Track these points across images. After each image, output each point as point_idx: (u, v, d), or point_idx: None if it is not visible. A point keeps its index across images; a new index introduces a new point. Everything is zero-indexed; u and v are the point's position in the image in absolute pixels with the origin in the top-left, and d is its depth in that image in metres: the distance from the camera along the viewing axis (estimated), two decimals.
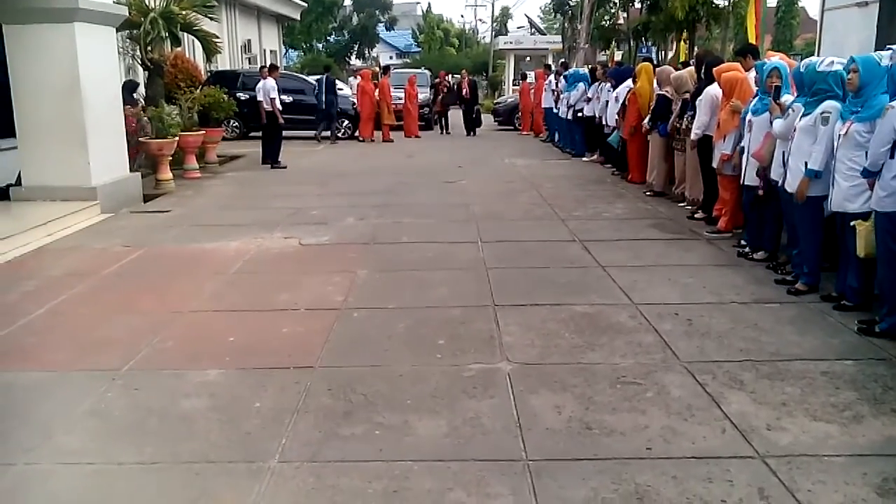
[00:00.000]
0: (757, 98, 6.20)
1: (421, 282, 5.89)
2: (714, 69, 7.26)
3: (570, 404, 3.72)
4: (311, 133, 17.58)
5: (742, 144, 6.35)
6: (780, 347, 4.43)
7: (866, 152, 4.62)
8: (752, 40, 13.56)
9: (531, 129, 19.44)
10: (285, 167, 13.04)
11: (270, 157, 13.21)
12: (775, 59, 6.31)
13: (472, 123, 19.79)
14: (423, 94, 21.00)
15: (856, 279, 4.97)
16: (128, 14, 10.20)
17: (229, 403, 3.79)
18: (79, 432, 3.53)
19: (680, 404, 3.71)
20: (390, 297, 5.48)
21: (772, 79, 5.81)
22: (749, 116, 6.17)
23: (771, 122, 5.74)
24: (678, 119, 8.39)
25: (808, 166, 5.10)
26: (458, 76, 21.99)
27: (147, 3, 11.98)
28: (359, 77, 19.32)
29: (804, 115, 5.23)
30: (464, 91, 20.04)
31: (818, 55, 10.26)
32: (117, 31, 9.79)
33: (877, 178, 4.51)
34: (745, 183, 6.28)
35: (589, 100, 12.86)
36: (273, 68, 13.73)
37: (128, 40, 12.77)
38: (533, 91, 19.10)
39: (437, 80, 21.38)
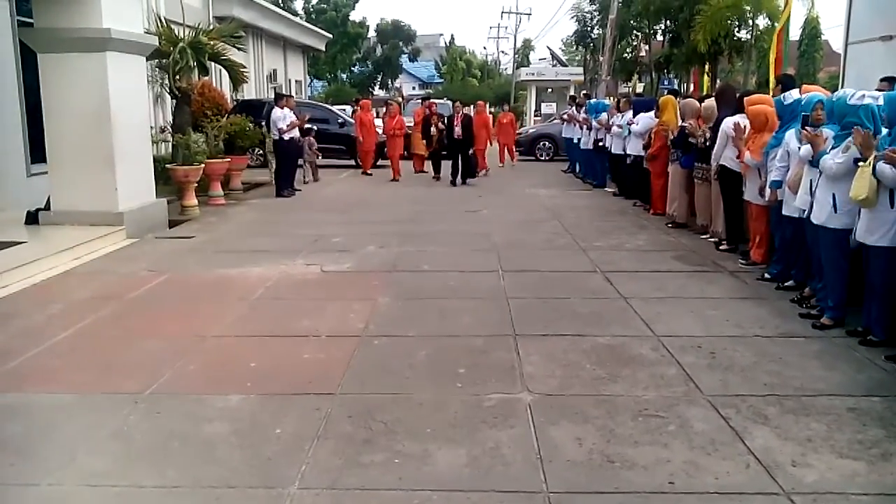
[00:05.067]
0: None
1: (442, 310, 5.89)
2: (745, 99, 7.26)
3: (592, 436, 3.69)
4: (335, 162, 17.75)
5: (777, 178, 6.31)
6: (805, 382, 4.37)
7: (891, 189, 4.62)
8: (772, 74, 13.59)
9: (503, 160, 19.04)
10: (299, 190, 13.34)
11: (285, 185, 13.27)
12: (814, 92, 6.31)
13: (463, 170, 14.95)
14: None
15: (882, 314, 4.91)
16: (157, 44, 10.44)
17: (250, 429, 3.80)
18: (101, 454, 3.55)
19: (703, 438, 3.66)
20: (411, 325, 5.49)
21: (816, 112, 5.76)
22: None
23: (799, 148, 5.73)
24: (704, 143, 8.36)
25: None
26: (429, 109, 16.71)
27: (176, 34, 12.25)
28: (355, 107, 18.69)
29: (832, 147, 5.21)
30: (455, 130, 14.86)
31: (842, 89, 10.20)
32: (147, 59, 10.02)
33: None
34: (785, 213, 6.18)
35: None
36: (279, 97, 13.87)
37: (157, 69, 13.06)
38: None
39: (426, 109, 16.60)
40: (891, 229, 4.73)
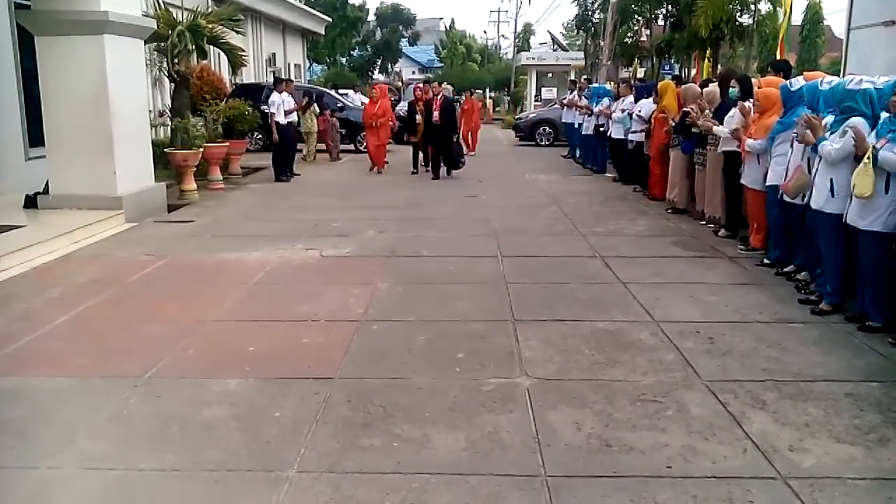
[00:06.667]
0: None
1: (441, 295, 5.89)
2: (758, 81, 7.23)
3: (590, 421, 3.70)
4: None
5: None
6: (804, 368, 4.38)
7: (888, 175, 4.62)
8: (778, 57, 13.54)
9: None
10: (298, 174, 13.35)
11: (284, 170, 13.19)
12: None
13: (445, 161, 13.48)
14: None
15: (874, 298, 4.91)
16: (156, 27, 10.37)
17: (249, 412, 3.81)
18: (101, 438, 3.56)
19: (701, 423, 3.67)
20: (410, 310, 5.49)
21: None
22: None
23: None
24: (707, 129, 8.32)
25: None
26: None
27: (175, 17, 12.17)
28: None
29: (830, 132, 5.20)
30: (434, 114, 13.21)
31: (844, 74, 10.19)
32: (145, 43, 9.96)
33: None
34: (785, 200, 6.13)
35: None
36: (278, 81, 13.78)
37: (155, 52, 12.98)
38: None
39: (416, 94, 14.69)
40: (883, 214, 4.74)
